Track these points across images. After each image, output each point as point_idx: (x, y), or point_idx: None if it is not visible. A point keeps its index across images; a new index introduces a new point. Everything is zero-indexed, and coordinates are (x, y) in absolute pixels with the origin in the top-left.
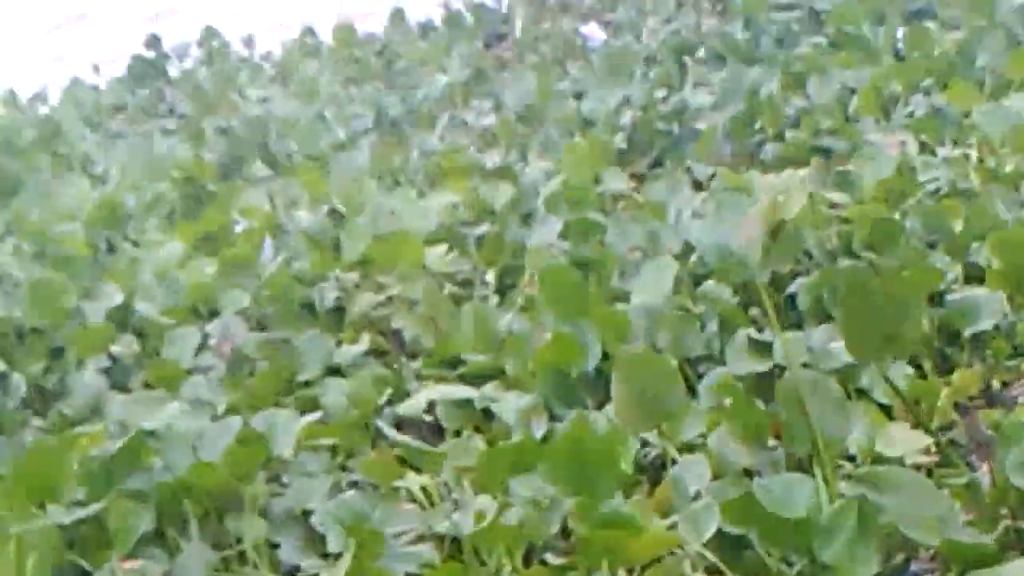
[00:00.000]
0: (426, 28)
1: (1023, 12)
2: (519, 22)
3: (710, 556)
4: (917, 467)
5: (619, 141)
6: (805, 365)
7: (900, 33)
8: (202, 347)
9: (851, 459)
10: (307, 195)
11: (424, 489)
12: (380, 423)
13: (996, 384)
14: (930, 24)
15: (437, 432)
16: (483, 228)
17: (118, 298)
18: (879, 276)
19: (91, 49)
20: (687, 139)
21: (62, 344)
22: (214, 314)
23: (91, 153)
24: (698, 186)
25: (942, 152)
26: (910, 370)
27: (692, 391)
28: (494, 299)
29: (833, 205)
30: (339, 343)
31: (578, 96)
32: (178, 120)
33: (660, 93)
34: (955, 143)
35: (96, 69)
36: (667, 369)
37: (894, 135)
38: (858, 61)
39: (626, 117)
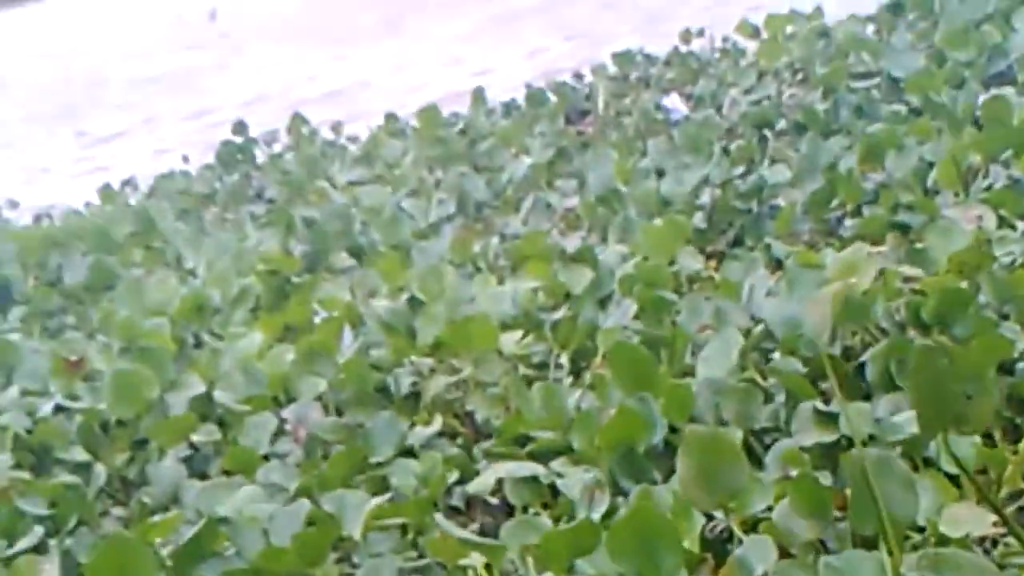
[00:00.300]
0: (509, 107)
1: None
2: (601, 98)
3: None
4: (982, 539)
5: (698, 221)
6: (871, 436)
7: (979, 100)
8: (280, 433)
9: (920, 529)
10: (386, 284)
11: (488, 567)
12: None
13: None
14: (1009, 89)
15: (506, 509)
16: (561, 312)
17: (199, 388)
18: (948, 352)
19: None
20: (766, 216)
21: (145, 435)
22: (292, 402)
23: (181, 247)
24: (778, 264)
25: (1021, 225)
26: (978, 439)
27: (759, 463)
28: (567, 380)
29: (907, 279)
30: (412, 425)
31: (659, 173)
32: (266, 205)
33: (739, 169)
34: None
35: (185, 159)
36: (732, 446)
37: (971, 209)
38: (937, 130)
39: (705, 196)
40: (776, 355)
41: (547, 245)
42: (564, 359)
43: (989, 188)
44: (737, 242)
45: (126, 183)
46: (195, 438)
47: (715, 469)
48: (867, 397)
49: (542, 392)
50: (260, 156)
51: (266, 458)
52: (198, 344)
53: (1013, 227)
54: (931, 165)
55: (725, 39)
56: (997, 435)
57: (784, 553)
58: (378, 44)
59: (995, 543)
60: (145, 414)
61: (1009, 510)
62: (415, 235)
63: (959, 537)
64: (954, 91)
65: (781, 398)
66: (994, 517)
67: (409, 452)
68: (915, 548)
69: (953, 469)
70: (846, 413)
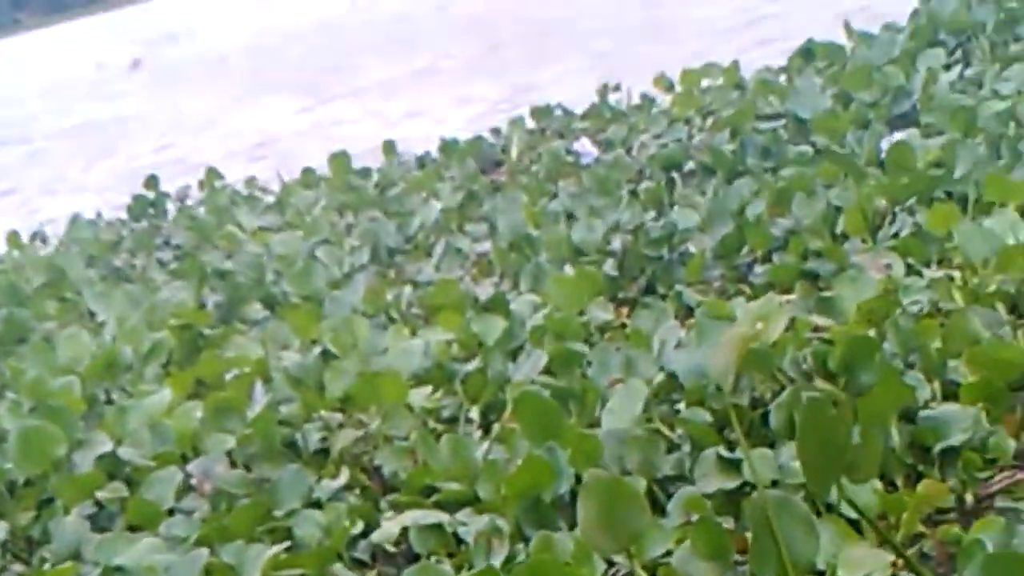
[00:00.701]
0: (423, 160)
1: (1002, 119)
2: (515, 148)
3: None
4: None
5: (609, 268)
6: (774, 482)
7: (884, 142)
8: (187, 489)
9: (820, 574)
10: (299, 337)
11: None
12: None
13: (969, 498)
14: (913, 130)
15: (411, 559)
16: (472, 364)
17: (107, 446)
18: (836, 401)
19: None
20: (677, 263)
21: (52, 494)
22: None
23: (91, 301)
24: (689, 312)
25: (928, 273)
26: (879, 485)
27: (662, 511)
28: (476, 434)
29: (816, 328)
30: (319, 479)
31: (570, 216)
32: (174, 251)
33: (649, 214)
34: (940, 263)
35: (99, 214)
36: (632, 490)
37: (880, 257)
38: (842, 174)
39: (616, 242)
40: (681, 405)
41: (460, 294)
42: (474, 413)
43: (896, 235)
44: (649, 289)
45: (35, 235)
46: (100, 495)
47: (615, 513)
48: (772, 445)
49: (450, 444)
50: (172, 211)
51: (171, 512)
52: (109, 401)
53: (920, 274)
54: (839, 210)
55: (643, 95)
56: (899, 481)
57: None
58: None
59: None
60: (52, 472)
61: (909, 553)
62: (329, 285)
63: None
64: (859, 131)
65: (687, 447)
66: (891, 557)
67: (315, 505)
68: None
69: (854, 515)
70: (748, 459)
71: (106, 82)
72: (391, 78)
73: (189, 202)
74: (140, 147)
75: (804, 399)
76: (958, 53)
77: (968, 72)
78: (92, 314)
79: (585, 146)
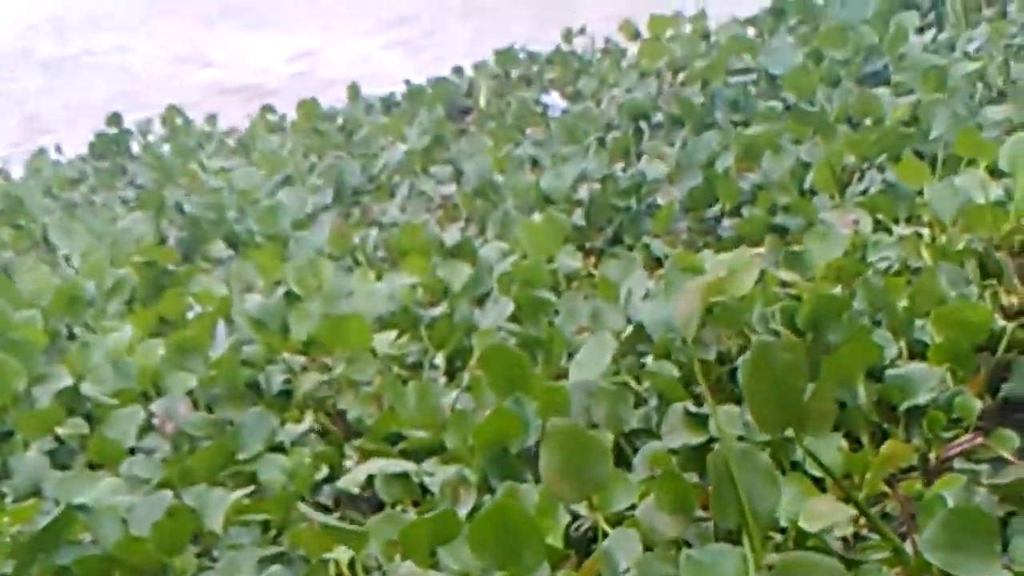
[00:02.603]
0: (388, 103)
1: (972, 79)
2: (483, 95)
3: None
4: (844, 539)
5: (577, 217)
6: (740, 438)
7: (852, 100)
8: (149, 428)
9: (783, 530)
10: (263, 278)
11: (353, 561)
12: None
13: (933, 457)
14: (884, 89)
15: (376, 506)
16: (438, 310)
17: (67, 381)
18: (792, 347)
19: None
20: (644, 214)
21: (11, 428)
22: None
23: (52, 234)
24: (657, 263)
25: (897, 230)
26: (844, 443)
27: (629, 465)
28: (442, 381)
29: (784, 284)
30: (283, 423)
31: (535, 163)
32: (136, 190)
33: (617, 164)
34: (908, 220)
35: (58, 148)
36: (593, 440)
37: (848, 213)
38: (812, 130)
39: (583, 191)
40: (649, 358)
41: (426, 238)
42: (439, 359)
43: (865, 192)
44: (616, 239)
45: None
46: (61, 431)
47: (578, 462)
48: (739, 401)
49: (416, 391)
50: (136, 147)
51: (132, 452)
52: (71, 336)
53: (889, 231)
54: (807, 166)
55: (607, 39)
56: (865, 439)
57: (648, 551)
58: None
59: (858, 536)
60: (12, 407)
61: (872, 511)
62: (293, 225)
63: (819, 531)
64: (829, 89)
65: (654, 401)
66: (853, 511)
67: (278, 449)
68: (777, 548)
69: (819, 473)
70: (715, 414)
71: None
72: None
73: (151, 138)
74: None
75: (754, 344)
76: (931, 16)
77: (941, 36)
78: (48, 245)
79: (555, 99)
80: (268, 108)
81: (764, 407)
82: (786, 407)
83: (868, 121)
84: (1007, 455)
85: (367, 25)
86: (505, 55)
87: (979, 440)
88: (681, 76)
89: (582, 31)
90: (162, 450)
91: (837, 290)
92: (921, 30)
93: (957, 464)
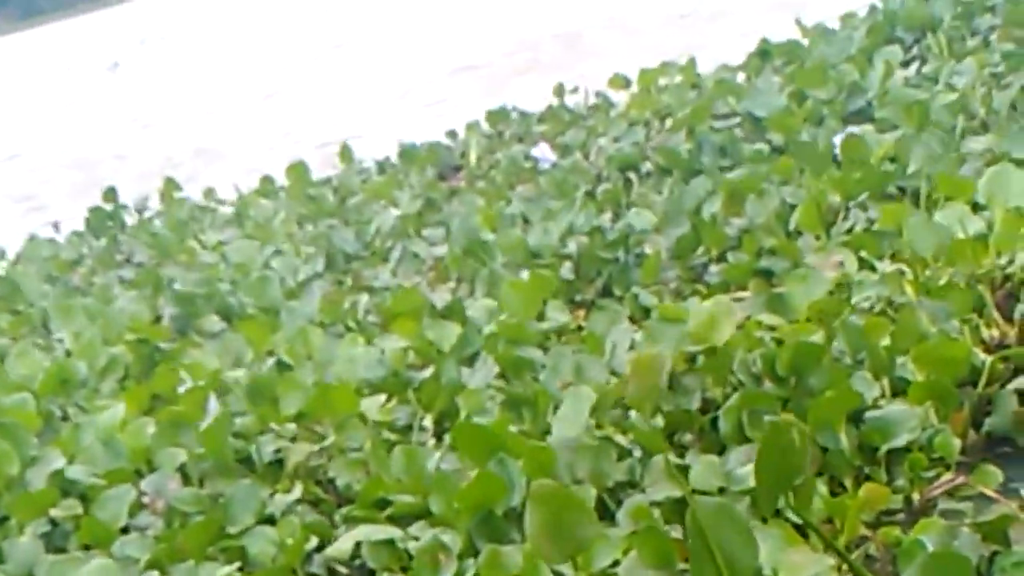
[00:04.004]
0: (382, 165)
1: (951, 109)
2: (474, 152)
3: None
4: None
5: (566, 271)
6: (721, 488)
7: (837, 139)
8: (141, 506)
9: None
10: (254, 349)
11: None
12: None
13: (916, 497)
14: (867, 126)
15: (366, 574)
16: (427, 372)
17: (60, 463)
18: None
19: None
20: (633, 264)
21: (5, 512)
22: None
23: (48, 315)
24: (646, 313)
25: (880, 267)
26: (824, 490)
27: (612, 519)
28: (430, 443)
29: (767, 327)
30: (273, 494)
31: (526, 220)
32: (135, 268)
33: (606, 215)
34: (892, 257)
35: (56, 226)
36: (579, 499)
37: (832, 255)
38: (799, 169)
39: (572, 245)
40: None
41: (417, 301)
42: (428, 421)
43: (850, 230)
44: (606, 291)
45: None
46: (54, 513)
47: (562, 522)
48: (722, 451)
49: (403, 455)
50: (130, 221)
51: (125, 531)
52: (65, 417)
53: (873, 269)
54: (793, 207)
55: (597, 93)
56: (848, 483)
57: None
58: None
59: None
60: (5, 491)
61: (854, 555)
62: (285, 294)
63: None
64: (814, 128)
65: (638, 454)
66: (832, 561)
67: (269, 520)
68: None
69: (799, 520)
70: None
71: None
72: None
73: (148, 214)
74: None
75: (768, 423)
76: (915, 49)
77: (925, 69)
78: (46, 328)
79: (544, 151)
80: (266, 178)
81: (770, 483)
82: (787, 483)
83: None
84: (990, 492)
85: None
86: (498, 114)
87: (962, 479)
88: (668, 122)
89: (575, 89)
90: (155, 527)
91: (819, 334)
92: (905, 63)
93: (941, 503)
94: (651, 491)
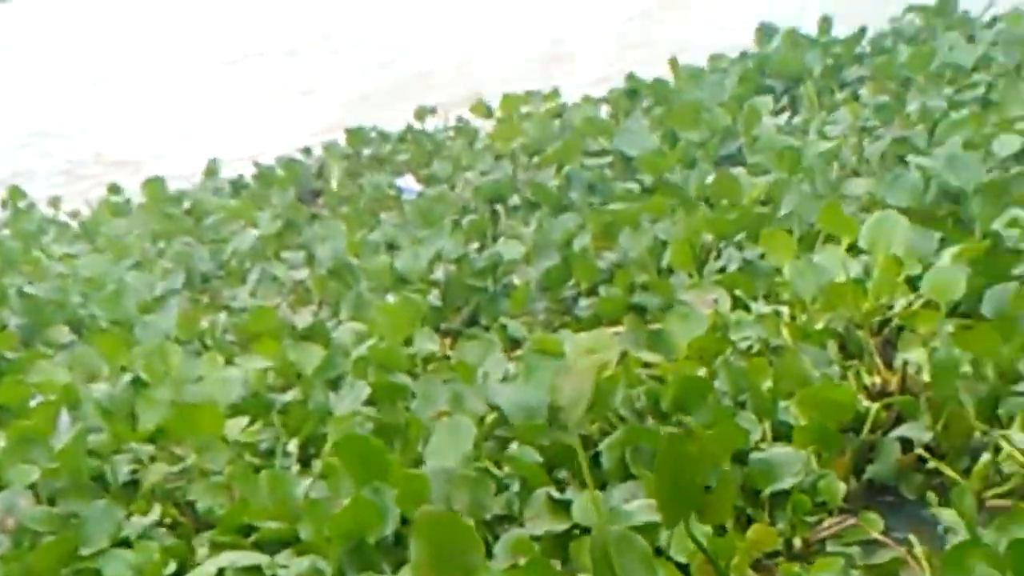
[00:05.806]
0: (237, 185)
1: (825, 159)
2: (334, 177)
3: None
4: None
5: (433, 298)
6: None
7: (710, 179)
8: None
9: None
10: (108, 364)
11: None
12: None
13: (798, 541)
14: (739, 170)
15: None
16: (291, 394)
17: None
18: (694, 440)
19: None
20: (501, 295)
21: None
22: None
23: None
24: (514, 344)
25: (756, 307)
26: (709, 529)
27: (490, 553)
28: (296, 468)
29: (646, 364)
30: (129, 515)
31: (391, 247)
32: None
33: (473, 245)
34: (767, 298)
35: None
36: (464, 527)
37: (707, 292)
38: (670, 209)
39: (439, 272)
40: (513, 444)
41: (277, 321)
42: (293, 446)
43: (723, 270)
44: (473, 320)
45: None
46: None
47: (449, 551)
48: (604, 486)
49: (269, 480)
50: None
51: None
52: None
53: (748, 309)
54: (665, 244)
55: (459, 118)
56: (729, 524)
57: None
58: None
59: None
60: None
61: None
62: (140, 309)
63: None
64: (686, 171)
65: (516, 487)
66: None
67: (124, 543)
68: None
69: (683, 559)
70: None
71: None
72: None
73: None
74: None
75: (664, 436)
76: (785, 98)
77: (796, 119)
78: None
79: (409, 183)
80: (115, 189)
81: (670, 498)
82: (690, 497)
83: (725, 201)
84: (877, 535)
85: None
86: (356, 134)
87: (851, 521)
88: (536, 159)
89: (433, 111)
90: (3, 546)
91: (702, 371)
92: (776, 112)
93: (829, 547)
94: (531, 525)
